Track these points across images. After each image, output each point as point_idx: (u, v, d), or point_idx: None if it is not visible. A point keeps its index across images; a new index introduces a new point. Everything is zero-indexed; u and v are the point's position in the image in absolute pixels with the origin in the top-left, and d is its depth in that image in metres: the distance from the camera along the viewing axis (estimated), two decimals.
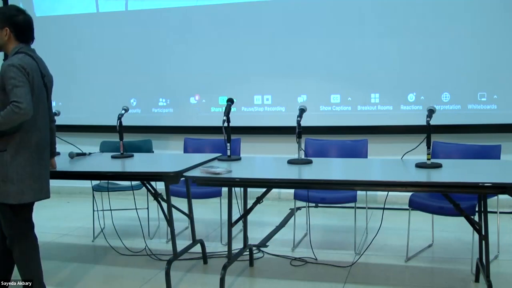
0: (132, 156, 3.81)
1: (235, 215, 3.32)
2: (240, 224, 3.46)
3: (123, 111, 3.84)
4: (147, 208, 4.35)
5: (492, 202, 3.37)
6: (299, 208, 4.39)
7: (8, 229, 2.75)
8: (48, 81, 2.86)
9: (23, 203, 2.67)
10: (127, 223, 4.47)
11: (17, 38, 2.72)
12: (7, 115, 2.54)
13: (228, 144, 3.43)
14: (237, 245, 3.52)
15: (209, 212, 4.57)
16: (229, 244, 3.27)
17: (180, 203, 3.73)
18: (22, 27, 2.73)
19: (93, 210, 4.30)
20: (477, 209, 3.08)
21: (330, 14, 5.01)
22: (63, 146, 3.79)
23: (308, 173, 3.11)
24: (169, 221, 3.37)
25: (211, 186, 3.68)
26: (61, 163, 3.35)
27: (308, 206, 3.98)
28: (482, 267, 2.96)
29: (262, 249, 3.84)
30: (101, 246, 4.06)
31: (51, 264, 3.63)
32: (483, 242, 2.88)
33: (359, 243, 3.86)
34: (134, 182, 4.26)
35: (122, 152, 3.79)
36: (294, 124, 3.24)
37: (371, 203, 4.19)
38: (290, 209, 4.61)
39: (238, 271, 3.47)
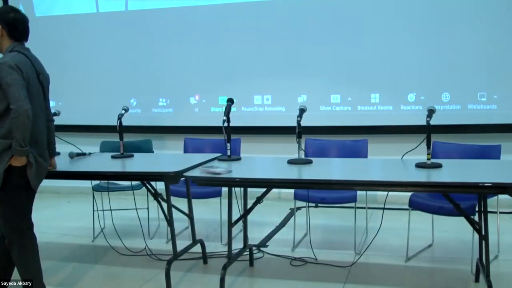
0: (132, 156, 3.81)
1: (235, 215, 3.32)
2: (240, 224, 3.45)
3: (123, 111, 3.85)
4: (147, 208, 4.35)
5: (492, 202, 3.36)
6: (299, 208, 4.38)
7: (7, 229, 2.74)
8: (44, 79, 2.85)
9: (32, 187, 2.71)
10: (127, 223, 4.47)
11: (11, 35, 2.73)
12: (15, 127, 2.53)
13: (228, 144, 3.43)
14: (237, 245, 3.52)
15: (209, 212, 4.57)
16: (229, 244, 3.27)
17: (180, 203, 3.73)
18: (14, 24, 2.73)
19: (93, 210, 4.30)
20: (477, 209, 3.08)
21: (330, 14, 5.00)
22: (63, 146, 3.79)
23: (308, 173, 3.11)
24: (169, 221, 3.37)
25: (211, 186, 3.68)
26: (61, 163, 3.34)
27: (308, 206, 3.98)
28: (482, 267, 2.96)
29: (262, 249, 3.84)
30: (101, 246, 4.06)
31: (51, 264, 3.63)
32: (483, 242, 2.88)
33: (359, 243, 3.86)
34: (134, 182, 4.26)
35: (122, 152, 3.79)
36: (294, 124, 3.24)
37: (371, 203, 4.19)
38: (290, 209, 4.61)
39: (238, 271, 3.47)
